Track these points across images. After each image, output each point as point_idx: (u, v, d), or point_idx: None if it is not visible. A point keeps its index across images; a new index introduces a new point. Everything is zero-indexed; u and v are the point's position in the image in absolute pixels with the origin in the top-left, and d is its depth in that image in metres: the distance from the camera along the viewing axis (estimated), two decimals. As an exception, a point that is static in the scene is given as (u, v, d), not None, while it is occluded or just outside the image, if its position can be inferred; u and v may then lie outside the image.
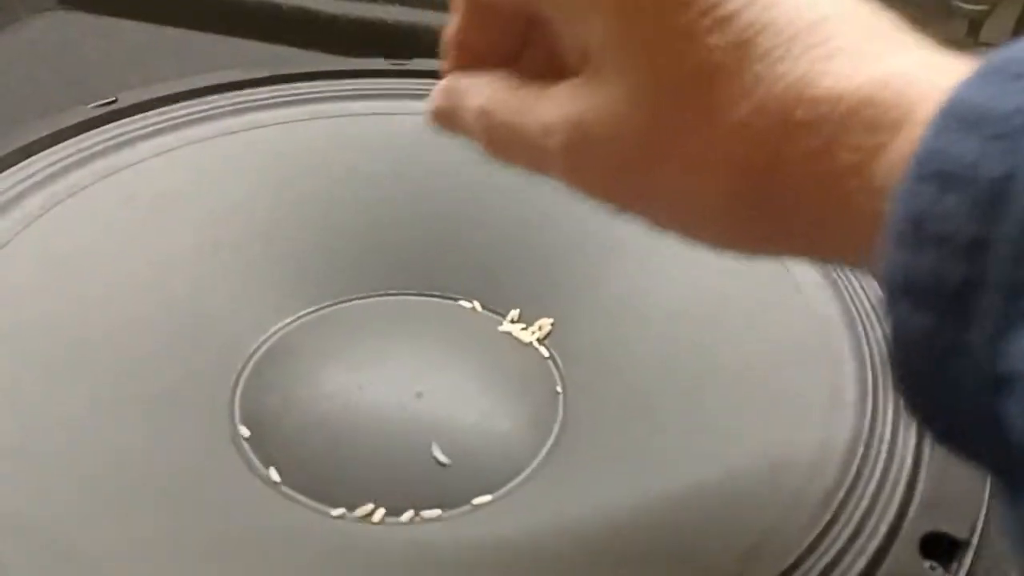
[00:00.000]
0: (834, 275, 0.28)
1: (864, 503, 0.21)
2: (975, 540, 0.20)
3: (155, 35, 0.43)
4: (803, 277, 0.28)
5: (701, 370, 0.28)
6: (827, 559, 0.19)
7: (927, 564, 0.19)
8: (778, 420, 0.25)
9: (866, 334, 0.26)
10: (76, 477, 0.23)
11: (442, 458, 0.27)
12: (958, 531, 0.20)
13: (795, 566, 0.19)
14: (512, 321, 0.33)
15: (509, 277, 0.34)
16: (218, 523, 0.24)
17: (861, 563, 0.19)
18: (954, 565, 0.19)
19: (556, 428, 0.29)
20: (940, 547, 0.20)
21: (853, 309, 0.27)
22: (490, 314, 0.34)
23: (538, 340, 0.33)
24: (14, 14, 0.43)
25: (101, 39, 0.42)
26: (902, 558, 0.19)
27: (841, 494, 0.21)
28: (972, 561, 0.20)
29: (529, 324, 0.33)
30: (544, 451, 0.28)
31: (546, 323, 0.33)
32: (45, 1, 0.45)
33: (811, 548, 0.19)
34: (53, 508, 0.22)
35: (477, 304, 0.34)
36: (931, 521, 0.20)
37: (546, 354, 0.32)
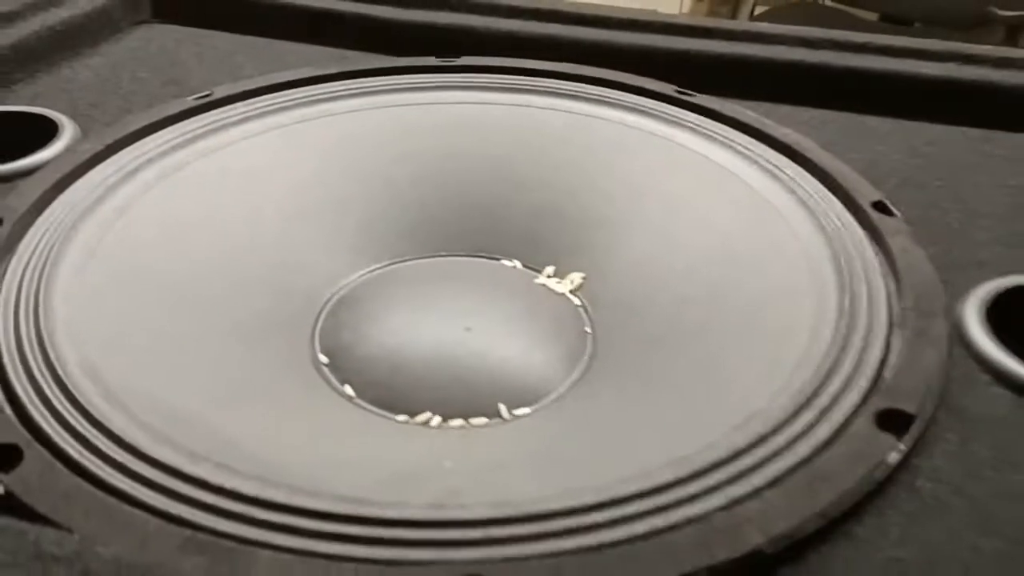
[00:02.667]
0: (809, 204, 0.33)
1: (833, 389, 0.25)
2: (923, 415, 0.24)
3: (237, 42, 0.49)
4: (785, 209, 0.33)
5: (710, 309, 0.33)
6: (799, 428, 0.24)
7: (884, 435, 0.24)
8: (770, 337, 0.29)
9: (848, 268, 0.30)
10: (190, 379, 0.29)
11: (488, 377, 0.33)
12: (909, 408, 0.24)
13: (775, 431, 0.24)
14: (548, 276, 0.39)
15: (545, 240, 0.39)
16: (305, 421, 0.29)
17: (825, 431, 0.24)
18: (905, 436, 0.24)
19: (585, 359, 0.34)
20: (894, 421, 0.24)
21: (830, 233, 0.31)
22: (528, 270, 0.39)
23: (570, 291, 0.38)
24: (117, 27, 0.50)
25: (192, 46, 0.48)
26: (862, 429, 0.24)
27: (816, 384, 0.25)
28: (922, 433, 0.24)
29: (562, 278, 0.38)
30: (575, 375, 0.33)
31: (577, 277, 0.38)
32: (141, 15, 0.51)
33: (788, 421, 0.24)
34: (176, 396, 0.27)
35: (518, 263, 0.39)
36: (888, 400, 0.25)
37: (577, 302, 0.37)
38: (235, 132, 0.39)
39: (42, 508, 0.21)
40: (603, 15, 0.45)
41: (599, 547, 0.20)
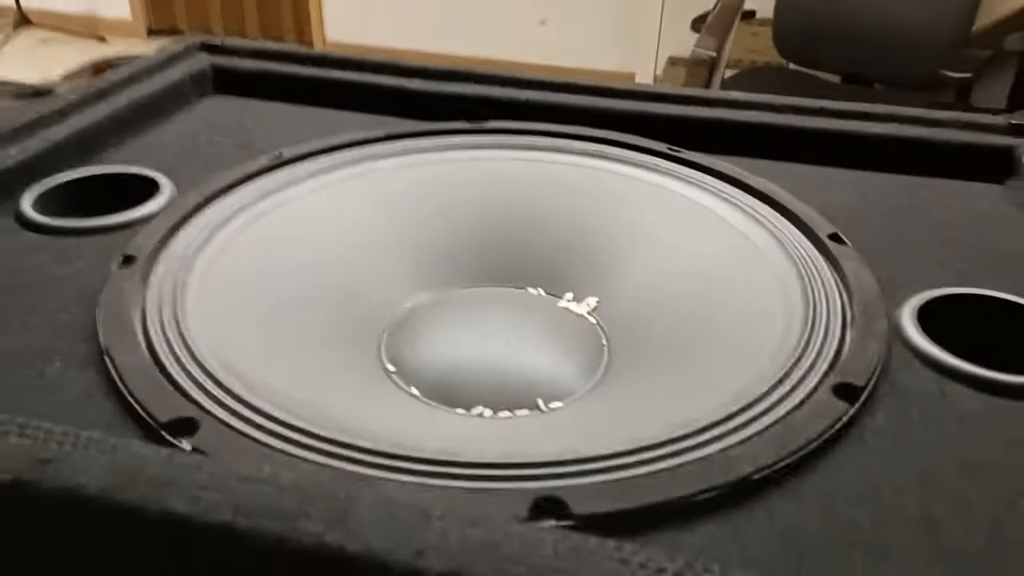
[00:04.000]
0: (779, 237, 0.41)
1: (802, 372, 0.33)
2: (869, 387, 0.32)
3: (289, 111, 0.58)
4: (760, 242, 0.41)
5: (702, 322, 0.41)
6: (776, 398, 0.32)
7: (839, 402, 0.32)
8: (751, 339, 0.37)
9: (811, 285, 0.39)
10: (294, 375, 0.36)
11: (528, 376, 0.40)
12: (858, 382, 0.32)
13: (758, 401, 0.32)
14: (568, 300, 0.46)
15: (563, 271, 0.47)
16: (394, 410, 0.37)
17: (796, 399, 0.32)
18: (856, 404, 0.32)
19: (604, 364, 0.42)
20: (847, 392, 0.32)
21: (797, 259, 0.40)
22: (551, 296, 0.47)
23: (588, 312, 0.46)
24: (187, 99, 0.58)
25: (253, 114, 0.57)
26: (823, 398, 0.32)
27: (788, 368, 0.33)
28: (867, 400, 0.32)
29: (580, 302, 0.46)
30: (596, 378, 0.41)
31: (592, 300, 0.46)
32: (206, 89, 0.60)
33: (766, 394, 0.32)
34: (296, 387, 0.34)
35: (541, 291, 0.47)
36: (841, 377, 0.33)
37: (594, 321, 0.45)
38: (305, 185, 0.47)
39: (223, 459, 0.28)
40: (606, 86, 0.53)
41: (630, 479, 0.28)
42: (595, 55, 3.04)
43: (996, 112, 0.51)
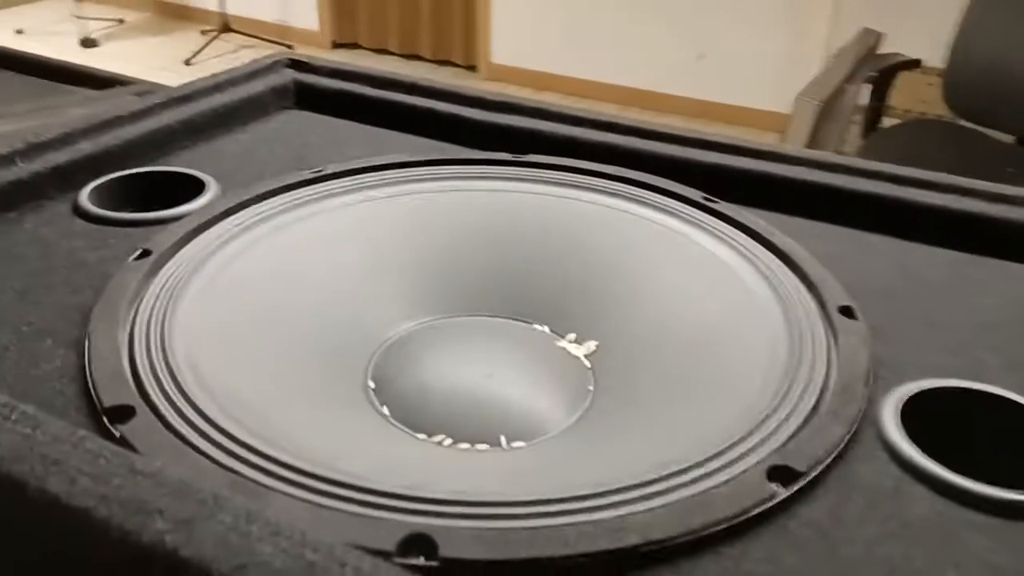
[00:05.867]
0: (787, 302, 0.39)
1: (748, 447, 0.31)
2: (812, 474, 0.30)
3: (354, 129, 0.60)
4: (767, 305, 0.39)
5: (684, 380, 0.40)
6: (702, 473, 0.30)
7: (770, 484, 0.30)
8: (724, 402, 0.35)
9: (799, 357, 0.36)
10: (261, 381, 0.38)
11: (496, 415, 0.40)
12: (799, 467, 0.30)
13: (684, 471, 0.30)
14: (569, 341, 0.46)
15: (571, 311, 0.47)
16: (349, 427, 0.38)
17: (723, 476, 0.30)
18: (788, 489, 0.30)
19: (580, 412, 0.41)
20: (783, 475, 0.30)
21: (795, 328, 0.38)
22: (554, 335, 0.46)
23: (585, 355, 0.45)
24: (265, 111, 0.62)
25: (319, 129, 0.60)
26: (753, 478, 0.30)
27: (736, 440, 0.32)
28: (806, 488, 0.30)
29: (581, 343, 0.45)
30: (569, 423, 0.40)
31: (592, 344, 0.45)
32: (286, 103, 0.64)
33: (696, 466, 0.30)
34: (255, 394, 0.36)
35: (546, 328, 0.47)
36: (781, 459, 0.30)
37: (588, 365, 0.44)
38: (334, 201, 0.49)
39: (142, 449, 0.30)
40: (649, 128, 0.52)
41: (511, 529, 0.27)
42: (751, 94, 2.97)
43: None
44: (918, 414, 0.33)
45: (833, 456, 0.31)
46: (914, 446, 0.31)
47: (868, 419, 0.33)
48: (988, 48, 1.92)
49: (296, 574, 0.23)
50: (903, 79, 2.22)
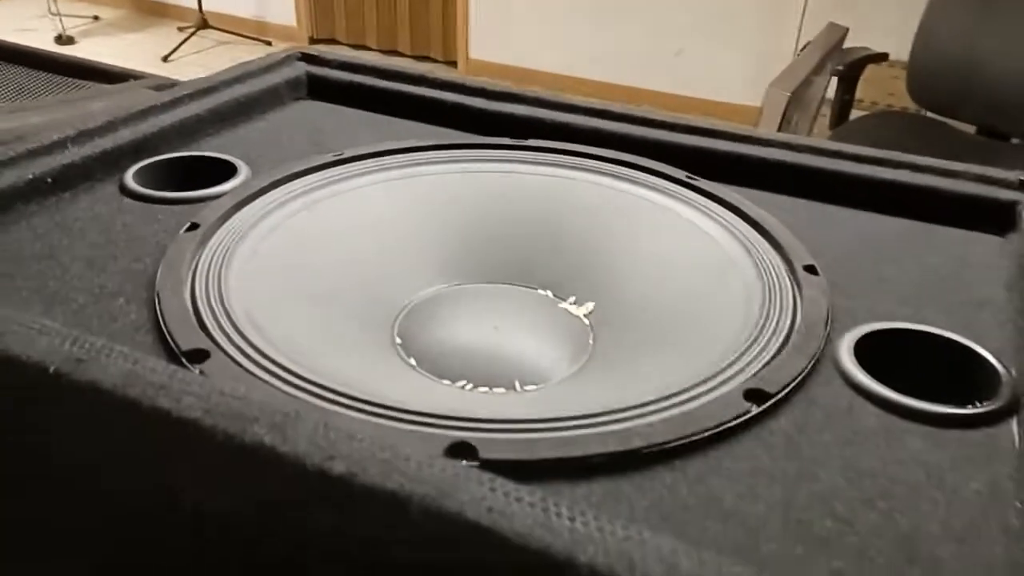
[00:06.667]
0: (759, 263, 0.45)
1: (729, 375, 0.37)
2: (780, 395, 0.36)
3: (365, 117, 0.66)
4: (742, 265, 0.46)
5: (672, 329, 0.46)
6: (691, 395, 0.36)
7: (746, 403, 0.36)
8: (708, 343, 0.42)
9: (770, 306, 0.42)
10: (310, 333, 0.43)
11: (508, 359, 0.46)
12: (769, 389, 0.36)
13: (676, 395, 0.36)
14: (570, 303, 0.52)
15: (571, 277, 0.53)
16: (387, 371, 0.43)
17: (711, 396, 0.36)
18: (761, 406, 0.36)
19: (582, 362, 0.47)
20: (757, 396, 0.36)
21: (767, 283, 0.44)
22: (556, 298, 0.52)
23: (584, 315, 0.51)
24: (281, 101, 0.67)
25: (332, 118, 0.65)
26: (733, 398, 0.36)
27: (719, 370, 0.38)
28: (776, 405, 0.36)
29: (580, 305, 0.51)
30: (574, 369, 0.46)
31: (590, 305, 0.51)
32: (300, 94, 0.69)
33: (685, 390, 0.36)
34: (305, 341, 0.41)
35: (549, 292, 0.53)
36: (755, 384, 0.37)
37: (587, 323, 0.50)
38: (356, 181, 0.55)
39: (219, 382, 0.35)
40: (640, 115, 0.58)
41: (537, 439, 0.33)
42: (727, 88, 3.04)
43: None
44: (869, 350, 0.40)
45: (797, 381, 0.37)
46: (865, 373, 0.38)
47: (828, 355, 0.40)
48: (949, 41, 2.00)
49: (372, 465, 0.28)
50: (871, 72, 2.30)
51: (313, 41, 4.04)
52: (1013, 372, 0.38)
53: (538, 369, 0.46)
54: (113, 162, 0.54)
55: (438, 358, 0.46)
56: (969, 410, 0.36)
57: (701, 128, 0.59)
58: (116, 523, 0.36)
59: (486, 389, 0.44)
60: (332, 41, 4.02)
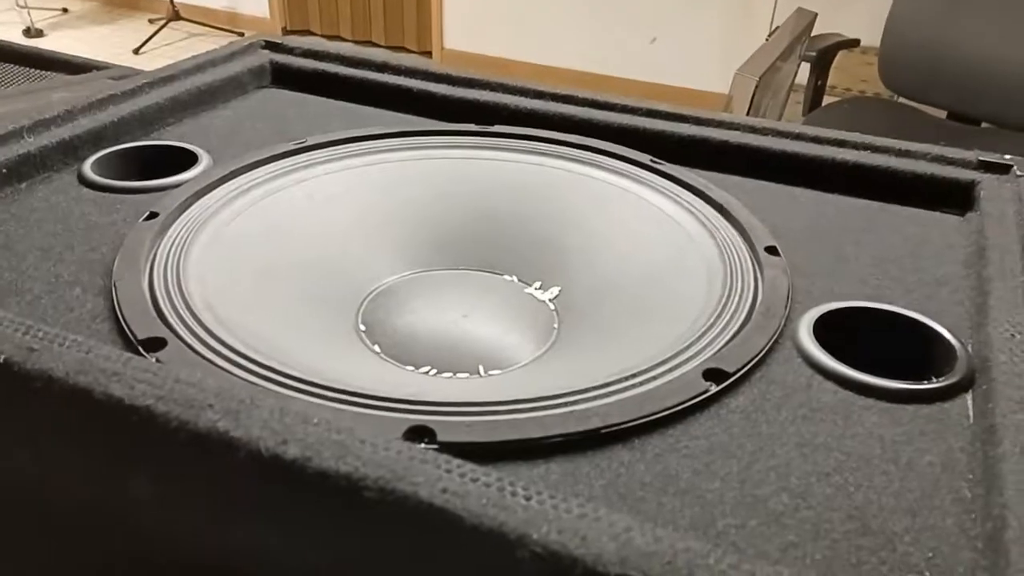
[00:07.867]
0: (721, 244, 0.45)
1: (688, 356, 0.38)
2: (738, 374, 0.36)
3: (329, 105, 0.65)
4: (704, 247, 0.46)
5: (636, 312, 0.46)
6: (650, 376, 0.36)
7: (704, 382, 0.36)
8: (670, 325, 0.42)
9: (731, 286, 0.43)
10: (268, 320, 0.43)
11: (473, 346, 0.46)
12: (728, 368, 0.36)
13: (636, 376, 0.36)
14: (535, 288, 0.52)
15: (536, 262, 0.53)
16: (349, 358, 0.43)
17: (670, 376, 0.36)
18: (720, 386, 0.36)
19: (548, 344, 0.47)
20: (716, 375, 0.36)
21: (728, 264, 0.44)
22: (521, 283, 0.52)
23: (549, 299, 0.51)
24: (244, 89, 0.66)
25: (296, 106, 0.65)
26: (691, 377, 0.36)
27: (678, 351, 0.38)
28: (734, 384, 0.36)
29: (545, 290, 0.51)
30: (538, 354, 0.46)
31: (555, 290, 0.51)
32: (263, 82, 0.68)
33: (646, 371, 0.37)
34: (265, 328, 0.41)
35: (515, 278, 0.53)
36: (714, 363, 0.37)
37: (552, 308, 0.50)
38: (319, 169, 0.54)
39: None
40: (604, 100, 0.59)
41: (496, 421, 0.33)
42: (702, 76, 3.05)
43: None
44: (828, 328, 0.40)
45: (756, 360, 0.37)
46: (823, 351, 0.38)
47: (788, 334, 0.40)
48: (920, 28, 2.02)
49: (327, 448, 0.28)
50: (843, 59, 2.32)
51: (287, 32, 4.00)
52: (969, 348, 0.39)
53: (503, 354, 0.46)
54: (71, 152, 0.53)
55: (402, 344, 0.46)
56: (925, 385, 0.37)
57: (665, 112, 0.59)
58: (67, 517, 0.36)
59: (450, 375, 0.44)
60: (306, 32, 3.98)
